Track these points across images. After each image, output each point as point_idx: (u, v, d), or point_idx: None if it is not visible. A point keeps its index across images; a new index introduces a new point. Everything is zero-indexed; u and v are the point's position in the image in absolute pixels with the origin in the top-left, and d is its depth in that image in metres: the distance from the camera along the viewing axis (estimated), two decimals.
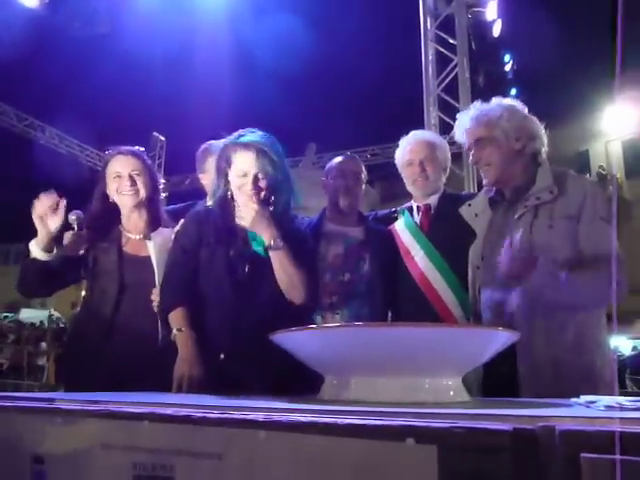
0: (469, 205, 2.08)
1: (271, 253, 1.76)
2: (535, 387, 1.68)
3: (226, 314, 1.76)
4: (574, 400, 1.07)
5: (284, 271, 1.76)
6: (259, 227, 1.76)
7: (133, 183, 2.09)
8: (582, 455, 0.59)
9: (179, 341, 1.73)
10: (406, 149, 2.44)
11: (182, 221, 1.99)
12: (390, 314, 2.33)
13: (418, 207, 2.45)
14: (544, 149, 1.95)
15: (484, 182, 1.99)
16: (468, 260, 2.02)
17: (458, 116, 2.03)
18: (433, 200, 2.42)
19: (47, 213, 1.98)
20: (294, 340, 1.14)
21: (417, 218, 2.42)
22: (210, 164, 2.18)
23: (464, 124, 1.95)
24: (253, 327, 1.69)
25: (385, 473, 0.68)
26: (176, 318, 1.77)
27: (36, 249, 2.00)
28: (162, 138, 13.73)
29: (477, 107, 1.97)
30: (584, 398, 1.03)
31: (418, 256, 2.32)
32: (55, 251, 2.02)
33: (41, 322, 16.41)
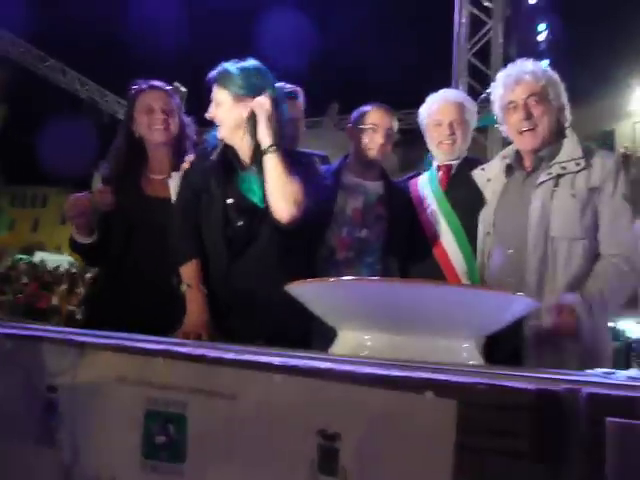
0: (482, 169, 2.03)
1: (265, 157, 1.69)
2: (539, 359, 1.67)
3: (220, 267, 1.72)
4: (590, 371, 1.05)
5: (275, 178, 1.66)
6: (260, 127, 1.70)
7: (165, 118, 2.02)
8: (608, 419, 0.57)
9: (189, 297, 1.67)
10: (434, 108, 2.35)
11: (190, 157, 1.90)
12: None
13: (438, 166, 2.38)
14: (568, 122, 1.91)
15: (520, 146, 1.90)
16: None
17: (509, 67, 1.92)
18: (455, 163, 2.36)
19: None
20: (309, 292, 1.12)
21: (437, 175, 2.37)
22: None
23: (518, 76, 1.84)
24: (248, 281, 1.66)
25: (402, 425, 0.67)
26: (187, 272, 1.70)
27: (78, 237, 1.96)
28: (183, 89, 13.58)
29: (532, 64, 1.89)
30: (600, 370, 1.02)
31: (429, 210, 2.27)
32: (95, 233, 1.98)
33: (57, 266, 16.67)
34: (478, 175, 2.01)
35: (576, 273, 1.71)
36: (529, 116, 1.82)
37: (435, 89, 2.43)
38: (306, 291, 1.13)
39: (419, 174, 2.47)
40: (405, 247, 2.27)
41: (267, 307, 1.65)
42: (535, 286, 1.71)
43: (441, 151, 2.35)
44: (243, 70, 1.74)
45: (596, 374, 1.00)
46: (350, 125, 2.37)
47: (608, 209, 1.71)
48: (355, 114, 2.37)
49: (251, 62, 1.77)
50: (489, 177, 1.98)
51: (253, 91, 1.72)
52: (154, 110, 2.02)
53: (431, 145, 2.38)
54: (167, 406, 0.82)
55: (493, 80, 2.06)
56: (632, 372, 0.94)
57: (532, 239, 1.75)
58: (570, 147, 1.82)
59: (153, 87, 2.07)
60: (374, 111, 2.33)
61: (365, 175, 2.30)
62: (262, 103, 1.70)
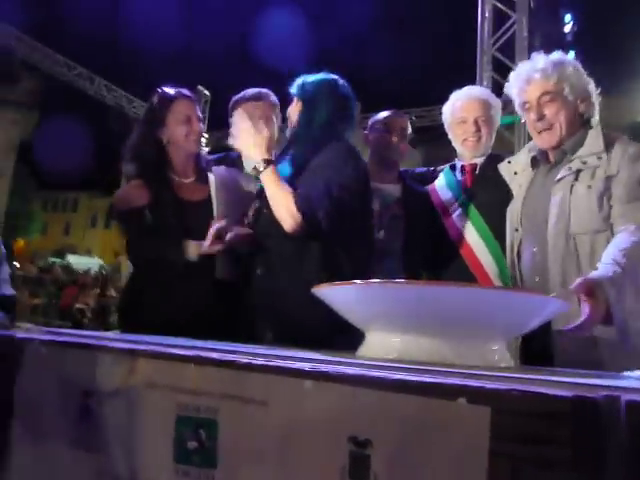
0: (509, 162, 1.99)
1: (260, 176, 1.79)
2: (571, 357, 1.63)
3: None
4: (627, 373, 1.03)
5: (270, 194, 1.75)
6: (247, 146, 1.83)
7: (201, 128, 2.09)
8: None
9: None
10: (458, 105, 2.33)
11: None
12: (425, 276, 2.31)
13: (463, 166, 2.37)
14: (597, 116, 1.84)
15: (540, 145, 1.87)
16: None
17: (520, 66, 1.88)
18: (480, 160, 2.33)
19: None
20: (336, 295, 1.12)
21: (459, 177, 2.35)
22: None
23: (529, 75, 1.80)
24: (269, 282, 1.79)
25: (435, 432, 0.66)
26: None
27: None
28: (207, 93, 13.72)
29: (544, 59, 1.83)
30: (636, 372, 0.99)
31: (455, 214, 2.26)
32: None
33: (88, 269, 17.03)
34: (504, 168, 1.97)
35: None
36: (542, 116, 1.76)
37: (459, 85, 2.41)
38: (331, 294, 1.13)
39: (434, 171, 2.47)
40: (428, 247, 2.27)
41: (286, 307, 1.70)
42: (559, 286, 1.66)
43: (466, 149, 2.33)
44: None
45: (635, 377, 0.97)
46: (366, 132, 2.43)
47: (622, 191, 1.64)
48: (371, 120, 2.44)
49: None
50: (516, 170, 1.93)
51: None
52: (192, 120, 2.06)
53: (456, 143, 2.37)
54: (198, 412, 0.83)
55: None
56: None
57: (552, 238, 1.71)
58: (592, 140, 1.75)
59: (186, 96, 2.11)
60: (388, 116, 2.41)
61: (383, 178, 2.33)
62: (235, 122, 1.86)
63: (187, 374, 0.85)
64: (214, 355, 0.84)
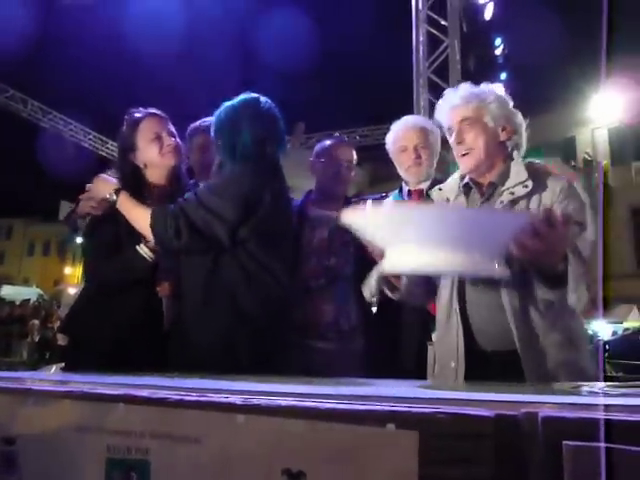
0: (440, 189, 1.99)
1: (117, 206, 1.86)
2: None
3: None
4: (558, 385, 1.07)
5: (130, 218, 1.83)
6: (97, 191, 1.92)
7: (175, 141, 2.03)
8: (564, 442, 0.58)
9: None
10: (399, 135, 2.39)
11: None
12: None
13: (409, 191, 2.42)
14: (523, 148, 1.88)
15: (462, 170, 1.90)
16: None
17: (446, 92, 1.93)
18: (425, 186, 2.39)
19: None
20: (364, 218, 1.34)
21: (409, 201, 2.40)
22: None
23: (451, 101, 1.85)
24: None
25: (366, 458, 0.67)
26: None
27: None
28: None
29: (467, 87, 1.89)
30: (568, 385, 1.03)
31: None
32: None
33: (26, 300, 16.20)
34: (436, 194, 1.97)
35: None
36: (461, 140, 1.79)
37: (399, 105, 2.48)
38: (361, 217, 1.35)
39: (385, 196, 2.50)
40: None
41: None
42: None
43: (410, 175, 2.39)
44: None
45: (562, 390, 1.01)
46: (312, 159, 2.44)
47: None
48: (317, 148, 2.45)
49: None
50: (448, 197, 1.95)
51: None
52: (162, 137, 2.01)
53: (400, 170, 2.43)
54: (129, 453, 0.80)
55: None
56: (596, 386, 0.95)
57: None
58: (515, 170, 1.80)
59: (153, 114, 2.05)
60: (334, 145, 2.44)
61: (330, 206, 2.34)
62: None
63: (116, 414, 0.82)
64: (144, 393, 0.82)
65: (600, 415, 0.59)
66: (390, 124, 2.46)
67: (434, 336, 1.85)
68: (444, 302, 1.75)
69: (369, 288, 1.69)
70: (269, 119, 1.89)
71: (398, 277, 1.64)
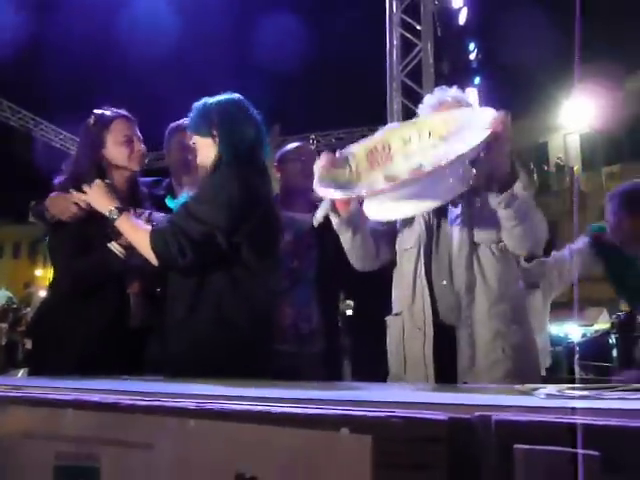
0: None
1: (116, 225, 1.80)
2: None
3: None
4: (517, 387, 1.07)
5: (131, 239, 1.78)
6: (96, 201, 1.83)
7: (143, 147, 2.01)
8: (515, 446, 0.57)
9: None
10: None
11: None
12: (345, 298, 2.34)
13: None
14: None
15: None
16: None
17: (428, 96, 1.95)
18: None
19: None
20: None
21: None
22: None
23: (440, 99, 1.84)
24: None
25: (320, 462, 0.66)
26: None
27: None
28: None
29: (454, 89, 1.92)
30: (528, 386, 1.03)
31: None
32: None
33: None
34: None
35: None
36: None
37: (373, 108, 2.50)
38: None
39: None
40: (346, 270, 2.30)
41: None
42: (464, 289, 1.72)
43: None
44: None
45: (520, 391, 1.01)
46: (275, 164, 2.44)
47: None
48: (280, 152, 2.46)
49: None
50: None
51: None
52: (133, 141, 1.99)
53: None
54: (78, 460, 0.78)
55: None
56: (555, 388, 0.96)
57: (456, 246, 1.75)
58: None
59: (125, 116, 2.03)
60: (297, 145, 2.48)
61: (295, 208, 2.34)
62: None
63: (65, 420, 0.79)
64: (94, 398, 0.79)
65: (551, 418, 0.59)
66: (364, 127, 2.48)
67: (395, 310, 1.85)
68: (409, 273, 1.78)
69: (318, 211, 1.68)
70: (258, 122, 1.87)
71: (347, 203, 1.65)
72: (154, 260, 1.68)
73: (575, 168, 17.09)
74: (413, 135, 1.62)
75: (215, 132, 1.77)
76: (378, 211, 1.57)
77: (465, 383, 1.64)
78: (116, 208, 1.77)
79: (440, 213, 1.83)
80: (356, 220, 1.69)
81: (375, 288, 2.24)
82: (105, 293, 1.90)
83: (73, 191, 1.89)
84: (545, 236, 1.72)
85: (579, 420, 0.58)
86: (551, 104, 16.07)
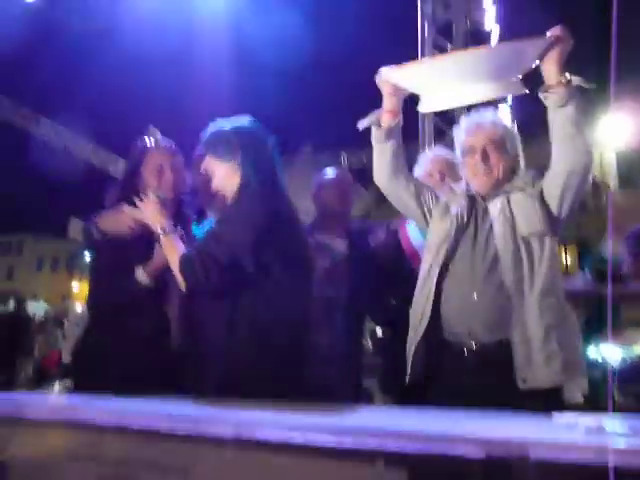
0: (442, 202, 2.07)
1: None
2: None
3: None
4: (556, 418, 1.05)
5: (169, 260, 1.78)
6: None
7: (174, 179, 2.06)
8: None
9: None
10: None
11: None
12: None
13: None
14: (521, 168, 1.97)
15: (477, 187, 1.91)
16: None
17: (472, 113, 1.96)
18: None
19: None
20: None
21: None
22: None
23: (478, 122, 1.87)
24: None
25: None
26: None
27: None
28: (158, 132, 13.64)
29: (491, 113, 1.95)
30: (565, 416, 1.01)
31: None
32: None
33: (34, 315, 16.15)
34: (440, 208, 2.03)
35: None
36: (486, 160, 1.85)
37: (404, 128, 2.51)
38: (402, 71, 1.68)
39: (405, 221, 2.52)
40: (383, 298, 2.33)
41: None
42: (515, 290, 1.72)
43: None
44: None
45: (558, 421, 0.99)
46: (313, 190, 2.49)
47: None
48: (317, 180, 2.50)
49: None
50: (450, 205, 2.00)
51: None
52: (164, 171, 2.05)
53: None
54: None
55: (458, 122, 2.11)
56: (594, 420, 0.93)
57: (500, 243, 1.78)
58: (520, 177, 1.89)
59: (161, 147, 2.11)
60: (334, 172, 2.51)
61: (332, 232, 2.36)
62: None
63: (108, 443, 0.82)
64: (135, 423, 0.81)
65: (593, 459, 0.58)
66: None
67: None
68: (425, 271, 1.86)
69: (363, 120, 1.83)
70: (274, 145, 1.91)
71: (392, 114, 1.83)
72: (182, 285, 1.72)
73: (611, 185, 16.71)
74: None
75: (237, 158, 1.80)
76: (433, 99, 1.75)
77: (524, 381, 1.64)
78: (166, 226, 1.81)
79: (473, 212, 1.86)
80: (396, 133, 1.86)
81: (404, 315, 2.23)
82: (145, 314, 1.93)
83: (126, 206, 1.95)
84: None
85: (620, 463, 0.57)
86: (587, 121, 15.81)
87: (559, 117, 1.71)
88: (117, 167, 13.32)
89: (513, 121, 2.11)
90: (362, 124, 1.83)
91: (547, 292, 1.72)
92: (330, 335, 2.21)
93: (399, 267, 2.34)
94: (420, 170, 2.41)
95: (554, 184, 1.79)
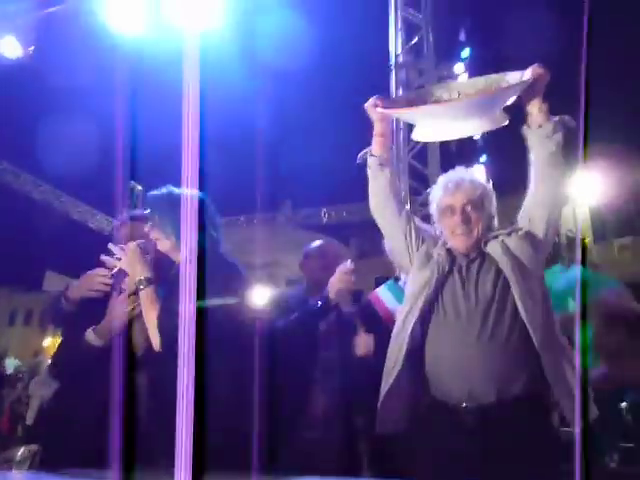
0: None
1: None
2: None
3: None
4: None
5: (144, 312, 1.77)
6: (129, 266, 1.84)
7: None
8: None
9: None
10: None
11: None
12: None
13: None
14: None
15: (456, 246, 1.93)
16: None
17: (450, 172, 2.02)
18: None
19: None
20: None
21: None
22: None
23: (457, 182, 1.93)
24: None
25: None
26: None
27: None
28: (139, 187, 13.64)
29: (469, 172, 2.02)
30: None
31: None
32: None
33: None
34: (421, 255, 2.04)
35: None
36: (467, 221, 1.88)
37: None
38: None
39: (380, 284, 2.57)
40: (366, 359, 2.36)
41: None
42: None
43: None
44: None
45: None
46: (301, 260, 2.62)
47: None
48: (306, 249, 2.64)
49: None
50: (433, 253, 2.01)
51: None
52: (133, 240, 2.12)
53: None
54: None
55: (432, 181, 2.19)
56: None
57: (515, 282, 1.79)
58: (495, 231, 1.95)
59: (125, 220, 2.22)
60: (322, 243, 2.68)
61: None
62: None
63: None
64: None
65: None
66: None
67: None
68: (400, 320, 1.90)
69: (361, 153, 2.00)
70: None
71: (384, 145, 1.97)
72: (156, 342, 1.68)
73: (586, 240, 17.04)
74: (444, 94, 1.93)
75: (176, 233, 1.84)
76: (428, 132, 1.92)
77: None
78: (145, 278, 1.78)
79: (454, 264, 1.89)
80: (390, 161, 2.01)
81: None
82: (104, 378, 1.89)
83: (104, 256, 1.95)
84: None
85: None
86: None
87: (544, 149, 1.78)
88: (95, 221, 13.28)
89: (488, 180, 2.17)
90: (360, 156, 1.99)
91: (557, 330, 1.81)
92: (321, 396, 2.27)
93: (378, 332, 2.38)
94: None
95: (538, 215, 1.84)
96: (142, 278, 1.80)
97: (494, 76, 1.88)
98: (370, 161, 1.95)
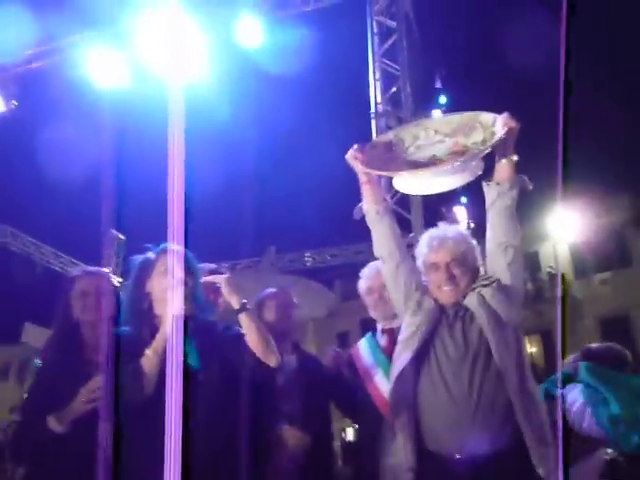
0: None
1: None
2: None
3: None
4: None
5: None
6: None
7: (97, 300, 2.10)
8: None
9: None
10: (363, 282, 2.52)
11: None
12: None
13: (382, 330, 2.46)
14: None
15: (442, 299, 1.95)
16: None
17: (434, 229, 2.04)
18: (396, 324, 2.40)
19: None
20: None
21: (382, 340, 2.44)
22: None
23: (441, 239, 1.96)
24: None
25: None
26: None
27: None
28: (121, 237, 13.52)
29: (454, 229, 2.05)
30: None
31: (378, 376, 2.31)
32: None
33: None
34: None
35: None
36: (451, 277, 1.91)
37: (365, 227, 2.59)
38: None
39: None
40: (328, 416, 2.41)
41: None
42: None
43: (377, 313, 2.46)
44: None
45: None
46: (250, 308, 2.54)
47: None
48: (256, 299, 2.55)
49: None
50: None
51: None
52: (89, 294, 2.09)
53: (370, 310, 2.49)
54: None
55: (414, 228, 2.21)
56: None
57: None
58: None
59: (88, 273, 2.17)
60: (274, 291, 2.60)
61: (280, 348, 2.35)
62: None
63: None
64: None
65: None
66: (359, 244, 2.58)
67: None
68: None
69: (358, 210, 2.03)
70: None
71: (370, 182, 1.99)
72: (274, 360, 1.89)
73: (567, 277, 17.24)
74: (421, 133, 1.98)
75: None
76: (410, 186, 1.99)
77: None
78: (243, 303, 1.95)
79: (442, 315, 1.92)
80: (389, 209, 2.02)
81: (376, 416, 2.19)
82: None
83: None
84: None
85: None
86: (539, 214, 16.56)
87: (501, 202, 1.85)
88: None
89: (469, 220, 2.22)
90: (356, 211, 2.03)
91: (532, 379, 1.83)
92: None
93: (351, 387, 2.40)
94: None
95: (499, 263, 1.90)
96: (244, 302, 1.92)
97: (468, 114, 1.93)
98: (366, 212, 1.97)
